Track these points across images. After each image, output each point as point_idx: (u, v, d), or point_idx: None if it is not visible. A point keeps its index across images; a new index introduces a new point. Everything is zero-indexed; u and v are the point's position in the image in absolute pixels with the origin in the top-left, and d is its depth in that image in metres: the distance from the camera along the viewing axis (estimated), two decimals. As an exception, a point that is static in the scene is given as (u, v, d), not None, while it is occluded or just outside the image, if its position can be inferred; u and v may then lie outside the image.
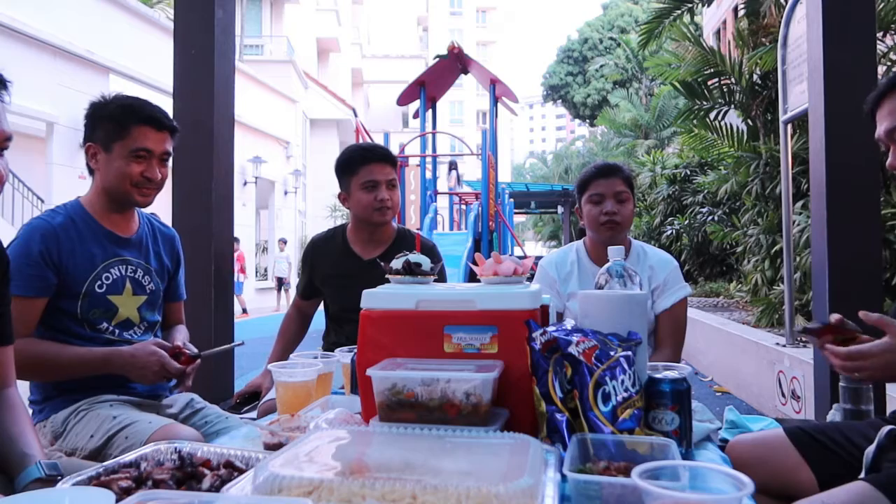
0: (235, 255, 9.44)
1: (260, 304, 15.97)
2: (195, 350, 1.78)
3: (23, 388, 1.48)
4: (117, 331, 1.79)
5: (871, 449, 1.36)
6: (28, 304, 1.65)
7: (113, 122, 1.73)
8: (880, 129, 1.43)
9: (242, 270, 14.31)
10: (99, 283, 1.75)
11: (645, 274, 2.13)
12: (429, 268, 1.38)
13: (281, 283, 16.23)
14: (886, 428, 1.36)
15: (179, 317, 2.07)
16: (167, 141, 1.78)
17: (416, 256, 1.39)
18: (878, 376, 1.30)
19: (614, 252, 1.37)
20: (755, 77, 7.14)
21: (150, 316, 1.87)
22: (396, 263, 1.37)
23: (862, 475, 1.34)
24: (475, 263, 1.37)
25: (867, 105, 1.45)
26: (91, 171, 1.80)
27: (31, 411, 1.76)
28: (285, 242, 16.68)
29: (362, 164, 2.28)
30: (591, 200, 2.15)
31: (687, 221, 10.52)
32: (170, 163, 1.86)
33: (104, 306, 1.76)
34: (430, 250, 2.35)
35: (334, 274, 2.34)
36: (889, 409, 2.24)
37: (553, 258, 2.28)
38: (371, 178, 2.26)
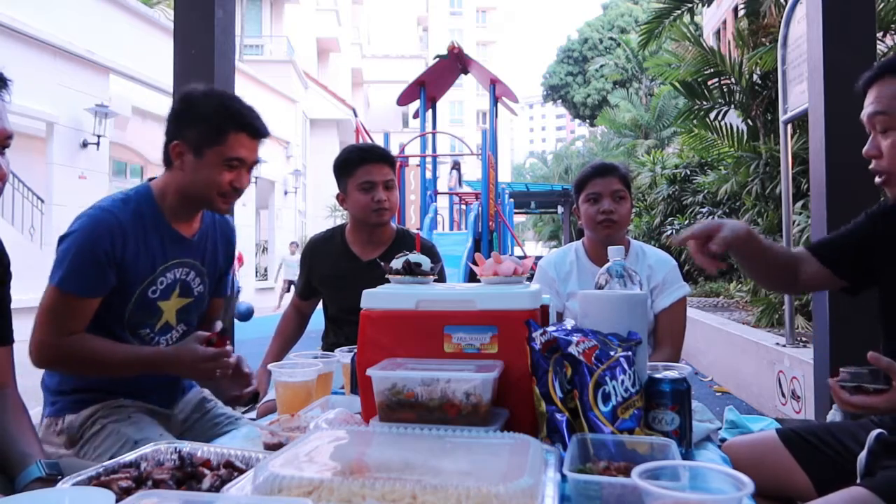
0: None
1: (260, 303, 15.96)
2: (218, 326, 1.77)
3: (23, 388, 1.48)
4: (156, 337, 1.73)
5: (863, 455, 1.36)
6: (85, 304, 1.59)
7: (208, 125, 1.61)
8: (865, 111, 1.42)
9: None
10: (153, 288, 1.68)
11: (644, 273, 2.13)
12: (429, 268, 1.38)
13: (291, 285, 16.19)
14: (875, 432, 1.36)
15: (217, 313, 1.98)
16: (258, 149, 1.70)
17: (416, 256, 1.39)
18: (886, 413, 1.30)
19: (614, 252, 1.37)
20: (755, 77, 7.14)
21: (187, 319, 1.80)
22: (396, 263, 1.37)
23: (858, 481, 1.34)
24: (475, 263, 1.37)
25: (860, 84, 1.44)
26: (168, 164, 1.68)
27: (42, 397, 1.74)
28: (297, 246, 16.60)
29: (359, 165, 2.27)
30: (588, 200, 2.15)
31: (687, 221, 10.52)
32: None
33: (151, 311, 1.70)
34: (430, 251, 2.34)
35: (333, 275, 2.34)
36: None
37: (552, 258, 2.29)
38: (368, 179, 2.25)
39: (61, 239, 1.61)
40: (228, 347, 1.65)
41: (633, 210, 12.96)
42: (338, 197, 2.36)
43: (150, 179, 1.75)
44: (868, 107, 1.41)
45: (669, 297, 2.11)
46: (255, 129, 1.65)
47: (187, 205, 1.70)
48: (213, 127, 1.61)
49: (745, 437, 1.65)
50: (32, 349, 1.58)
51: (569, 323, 1.25)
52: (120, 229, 1.60)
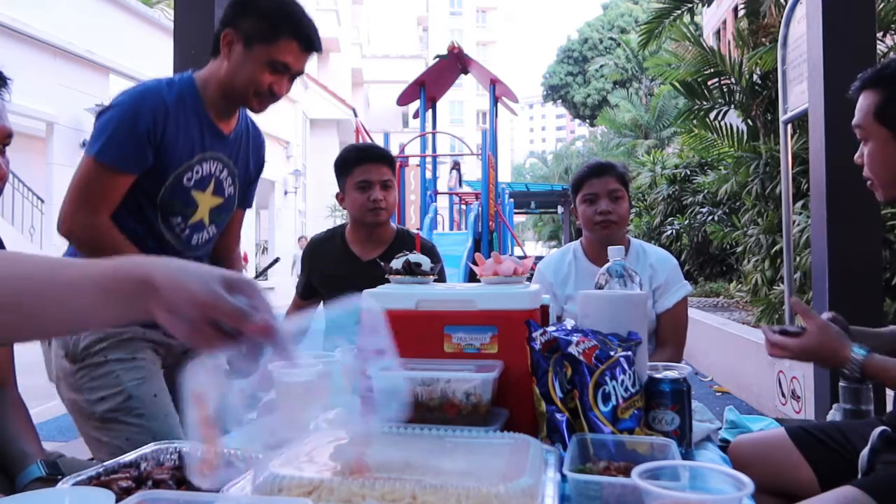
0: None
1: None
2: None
3: (24, 387, 1.48)
4: (188, 231, 1.72)
5: (865, 451, 1.37)
6: (118, 180, 1.58)
7: (264, 22, 1.60)
8: (854, 119, 1.47)
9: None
10: (189, 174, 1.67)
11: (646, 273, 2.12)
12: (429, 268, 1.38)
13: None
14: (879, 429, 1.37)
15: (238, 226, 1.99)
16: (306, 62, 1.69)
17: (416, 256, 1.39)
18: (800, 359, 1.45)
19: (614, 252, 1.37)
20: (755, 77, 7.14)
21: (219, 221, 1.81)
22: (396, 263, 1.37)
23: (859, 477, 1.35)
24: (475, 263, 1.37)
25: (851, 93, 1.48)
26: (216, 52, 1.68)
27: (44, 394, 1.76)
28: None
29: (357, 164, 2.28)
30: (585, 200, 2.15)
31: (687, 221, 10.52)
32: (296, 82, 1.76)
33: (185, 200, 1.69)
34: (430, 251, 2.34)
35: (333, 275, 2.34)
36: (889, 410, 2.24)
37: (550, 260, 2.28)
38: (365, 178, 2.26)
39: (100, 113, 1.60)
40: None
41: (633, 210, 12.89)
42: (337, 196, 2.37)
43: (194, 71, 1.74)
44: (855, 116, 1.47)
45: (672, 296, 2.10)
46: (308, 40, 1.64)
47: (225, 99, 1.69)
48: (268, 25, 1.60)
49: (754, 434, 1.68)
50: (60, 220, 1.59)
51: (569, 323, 1.25)
52: (163, 109, 1.59)
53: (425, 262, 1.39)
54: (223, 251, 1.95)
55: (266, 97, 1.67)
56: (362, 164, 2.27)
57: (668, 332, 2.09)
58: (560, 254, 2.29)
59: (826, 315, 1.51)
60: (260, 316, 0.67)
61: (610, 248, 1.39)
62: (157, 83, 1.65)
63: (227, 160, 1.77)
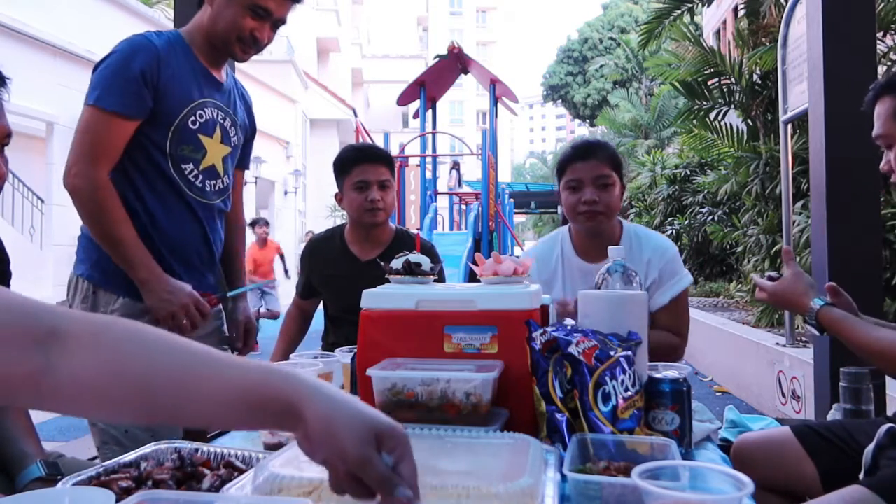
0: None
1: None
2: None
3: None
4: (201, 177, 1.72)
5: (870, 447, 1.37)
6: (119, 125, 1.57)
7: None
8: (874, 130, 1.47)
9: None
10: (193, 118, 1.67)
11: (641, 266, 1.92)
12: (429, 268, 1.38)
13: None
14: (885, 426, 1.37)
15: (240, 190, 1.99)
16: (289, 9, 1.72)
17: (416, 256, 1.39)
18: (774, 302, 1.62)
19: (614, 252, 1.37)
20: (755, 77, 7.14)
21: (230, 171, 1.81)
22: (396, 263, 1.37)
23: (861, 475, 1.36)
24: (475, 263, 1.37)
25: (865, 105, 1.49)
26: (201, 3, 1.70)
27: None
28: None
29: (354, 164, 2.26)
30: (569, 187, 1.91)
31: (687, 221, 10.52)
32: (282, 30, 1.79)
33: (194, 144, 1.69)
34: (429, 251, 2.34)
35: (332, 274, 2.34)
36: (889, 409, 2.24)
37: (537, 253, 2.07)
38: (362, 178, 2.24)
39: (96, 67, 1.61)
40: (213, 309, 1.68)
41: (633, 210, 12.86)
42: (336, 196, 2.37)
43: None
44: (874, 126, 1.47)
45: (670, 290, 1.91)
46: None
47: (211, 47, 1.71)
48: None
49: (758, 432, 1.70)
50: (65, 175, 1.60)
51: (568, 322, 1.25)
52: (154, 52, 1.60)
53: (425, 262, 1.39)
54: (230, 218, 1.95)
55: (249, 44, 1.69)
56: (360, 165, 2.26)
57: (666, 324, 1.90)
58: (547, 246, 2.06)
59: (828, 285, 1.60)
60: (403, 490, 0.64)
61: (610, 248, 1.38)
62: (143, 34, 1.65)
63: (226, 109, 1.78)
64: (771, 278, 1.63)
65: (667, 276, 1.92)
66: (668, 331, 1.90)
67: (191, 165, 1.70)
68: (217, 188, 1.78)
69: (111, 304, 1.63)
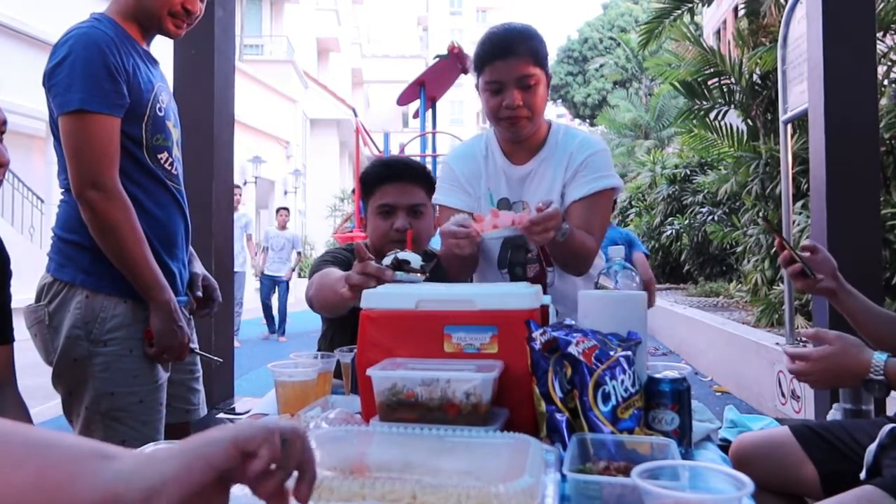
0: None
1: (258, 303, 15.94)
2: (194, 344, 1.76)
3: (23, 387, 1.47)
4: (175, 164, 1.68)
5: (872, 447, 1.37)
6: (113, 126, 1.50)
7: None
8: None
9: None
10: (158, 105, 1.61)
11: (563, 158, 1.75)
12: (419, 265, 1.37)
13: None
14: (888, 426, 1.37)
15: None
16: None
17: (405, 254, 1.38)
18: (821, 383, 1.42)
19: (614, 252, 1.37)
20: (755, 77, 7.14)
21: (180, 152, 1.75)
22: (386, 260, 1.36)
23: (863, 474, 1.35)
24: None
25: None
26: None
27: (56, 214, 1.62)
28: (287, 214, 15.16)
29: (378, 184, 1.87)
30: (489, 89, 1.70)
31: (687, 221, 10.53)
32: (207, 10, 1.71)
33: (164, 132, 1.63)
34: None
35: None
36: (889, 410, 2.24)
37: (459, 152, 1.90)
38: (386, 202, 1.83)
39: (52, 69, 1.49)
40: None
41: (633, 210, 12.85)
42: (361, 219, 2.23)
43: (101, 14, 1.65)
44: None
45: (588, 184, 1.71)
46: None
47: (140, 26, 1.63)
48: None
49: (758, 432, 1.69)
50: (77, 187, 1.48)
51: (568, 322, 1.25)
52: (111, 41, 1.51)
53: (415, 260, 1.37)
54: None
55: (181, 16, 1.64)
56: (383, 185, 1.86)
57: (579, 223, 1.68)
58: (469, 145, 1.90)
59: (806, 242, 1.63)
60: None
61: (610, 248, 1.39)
62: (88, 24, 1.56)
63: (167, 88, 1.72)
64: (807, 248, 1.62)
65: (589, 169, 1.74)
66: (581, 229, 1.69)
67: (165, 154, 1.66)
68: (181, 173, 1.74)
69: (111, 308, 1.57)
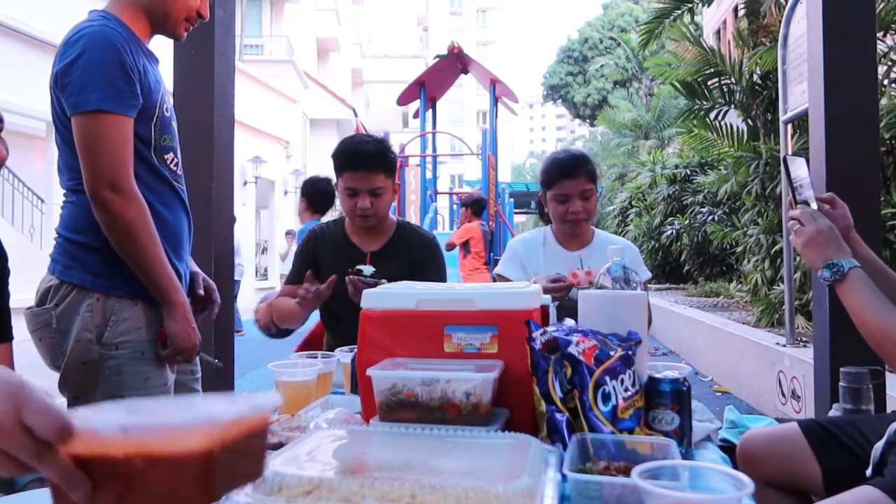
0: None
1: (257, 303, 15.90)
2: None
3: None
4: (180, 164, 1.68)
5: (879, 444, 1.37)
6: (128, 125, 1.49)
7: None
8: None
9: None
10: (165, 105, 1.61)
11: (605, 259, 2.15)
12: (370, 274, 1.68)
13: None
14: None
15: None
16: None
17: (363, 267, 1.73)
18: (800, 244, 1.48)
19: (614, 252, 1.38)
20: (755, 77, 7.13)
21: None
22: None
23: (868, 471, 1.35)
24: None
25: None
26: None
27: (60, 215, 1.60)
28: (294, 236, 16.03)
29: (343, 170, 2.18)
30: (556, 199, 2.25)
31: (687, 221, 10.53)
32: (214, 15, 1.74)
33: (170, 133, 1.63)
34: (429, 245, 2.32)
35: (336, 262, 2.29)
36: (889, 409, 2.24)
37: (522, 238, 2.45)
38: (351, 186, 2.16)
39: (65, 68, 1.47)
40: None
41: (633, 210, 12.90)
42: (336, 185, 2.31)
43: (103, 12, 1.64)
44: None
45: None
46: None
47: (145, 27, 1.63)
48: None
49: (766, 428, 1.68)
50: (93, 188, 1.46)
51: (568, 322, 1.25)
52: (122, 40, 1.50)
53: (367, 270, 1.67)
54: None
55: (193, 21, 1.67)
56: (348, 171, 2.16)
57: None
58: (531, 235, 2.45)
59: (826, 195, 1.62)
60: None
61: (609, 248, 1.40)
62: (98, 22, 1.54)
63: (166, 88, 1.72)
64: (825, 200, 1.60)
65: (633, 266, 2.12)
66: None
67: (171, 154, 1.65)
68: (182, 172, 1.74)
69: (123, 311, 1.55)
